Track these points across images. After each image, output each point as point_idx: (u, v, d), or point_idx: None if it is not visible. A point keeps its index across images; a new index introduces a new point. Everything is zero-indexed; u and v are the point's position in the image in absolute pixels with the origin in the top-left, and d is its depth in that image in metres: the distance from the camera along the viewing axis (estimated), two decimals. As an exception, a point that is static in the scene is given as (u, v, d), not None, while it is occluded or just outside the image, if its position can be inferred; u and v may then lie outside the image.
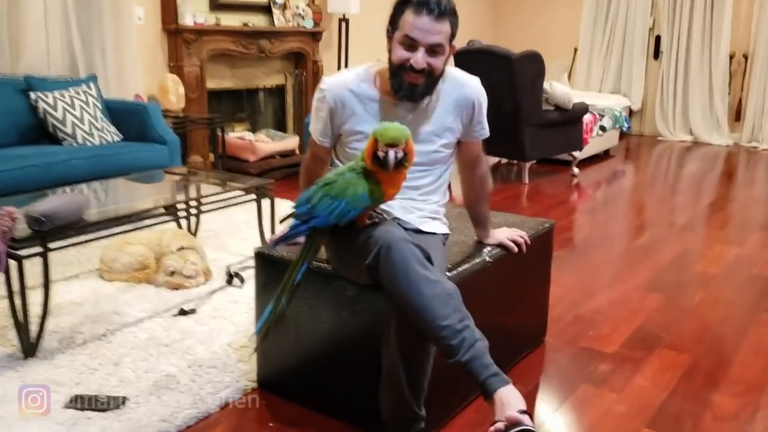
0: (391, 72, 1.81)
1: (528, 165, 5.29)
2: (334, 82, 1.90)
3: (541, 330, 2.55)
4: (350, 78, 1.89)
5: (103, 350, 2.37)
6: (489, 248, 2.13)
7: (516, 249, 2.15)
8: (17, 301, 2.28)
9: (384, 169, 1.60)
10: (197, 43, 4.88)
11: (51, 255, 2.37)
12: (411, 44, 1.75)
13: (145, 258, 3.02)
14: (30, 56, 4.09)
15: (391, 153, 1.58)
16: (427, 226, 1.90)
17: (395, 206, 1.87)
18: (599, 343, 2.53)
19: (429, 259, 1.61)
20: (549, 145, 5.35)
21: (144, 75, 4.76)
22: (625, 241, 3.95)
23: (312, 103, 1.97)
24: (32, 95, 3.72)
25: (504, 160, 5.98)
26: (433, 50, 1.76)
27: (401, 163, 1.61)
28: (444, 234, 1.97)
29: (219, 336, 2.48)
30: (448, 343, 1.52)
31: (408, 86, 1.79)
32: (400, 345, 1.60)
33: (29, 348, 2.30)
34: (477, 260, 2.04)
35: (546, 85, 5.20)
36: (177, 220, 3.32)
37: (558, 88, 5.30)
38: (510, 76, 4.94)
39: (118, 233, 2.61)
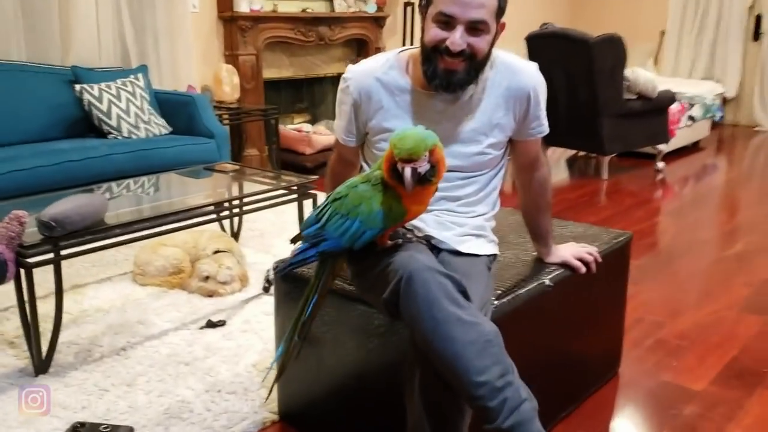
0: (423, 56, 1.49)
1: (607, 159, 4.84)
2: (358, 70, 1.60)
3: (613, 360, 2.18)
4: (378, 65, 1.58)
5: (119, 368, 2.16)
6: (551, 268, 1.79)
7: (584, 269, 1.79)
8: (28, 313, 2.09)
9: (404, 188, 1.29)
10: (253, 30, 4.67)
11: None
12: (447, 21, 1.43)
13: (179, 262, 2.82)
14: (81, 47, 3.97)
15: (408, 171, 1.26)
16: (467, 246, 1.56)
17: (429, 220, 1.55)
18: (684, 377, 2.14)
19: (464, 292, 1.29)
20: (631, 137, 4.87)
21: (199, 65, 4.59)
22: (716, 249, 3.48)
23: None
24: (77, 87, 3.59)
25: (581, 153, 5.54)
26: (474, 28, 1.43)
27: (426, 179, 1.30)
28: (490, 255, 1.62)
29: (245, 354, 2.23)
30: (485, 404, 1.20)
31: (443, 73, 1.46)
32: (426, 400, 1.29)
33: (40, 364, 2.11)
34: (534, 284, 1.70)
35: (628, 71, 4.73)
36: (219, 221, 3.10)
37: (641, 74, 4.81)
38: (587, 63, 4.50)
39: (142, 237, 2.39)
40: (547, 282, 1.73)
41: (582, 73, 4.56)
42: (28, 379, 2.09)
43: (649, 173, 5.01)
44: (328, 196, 1.41)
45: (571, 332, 1.92)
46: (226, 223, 3.28)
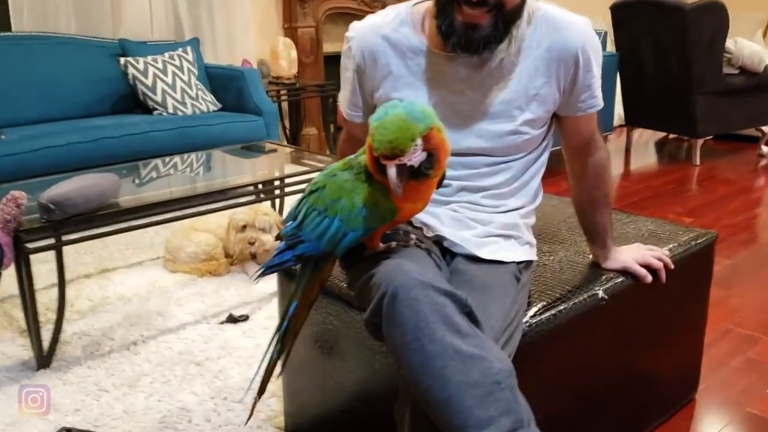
0: (437, 7, 1.18)
1: (700, 142, 4.33)
2: (362, 26, 1.31)
3: (689, 383, 1.81)
4: (386, 20, 1.28)
5: (125, 365, 1.97)
6: (607, 275, 1.45)
7: (650, 278, 1.44)
8: (28, 303, 1.93)
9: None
10: (313, 1, 4.42)
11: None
12: None
13: (211, 248, 2.62)
14: (132, 19, 3.84)
15: (393, 170, 0.96)
16: (489, 250, 1.23)
17: (443, 216, 1.24)
18: (779, 409, 1.75)
19: (470, 314, 0.98)
20: (729, 118, 4.34)
21: (257, 38, 4.40)
22: (827, 248, 2.98)
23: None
24: (121, 61, 3.45)
25: (671, 136, 5.03)
26: None
27: (421, 173, 1.00)
28: (521, 263, 1.29)
29: (262, 356, 2.00)
30: (487, 467, 0.90)
31: (462, 28, 1.15)
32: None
33: (41, 359, 1.95)
34: (585, 296, 1.37)
35: (729, 42, 4.20)
36: (258, 202, 2.89)
37: (746, 46, 4.26)
38: (681, 32, 4.01)
39: (158, 222, 2.19)
40: (601, 294, 1.40)
41: (675, 45, 4.08)
42: (28, 373, 1.93)
43: (750, 158, 4.46)
44: (308, 186, 1.14)
45: (633, 351, 1.58)
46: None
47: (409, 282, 0.96)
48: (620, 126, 5.21)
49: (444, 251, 1.22)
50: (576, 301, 1.35)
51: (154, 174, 2.74)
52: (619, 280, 1.45)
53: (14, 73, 3.26)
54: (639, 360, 1.60)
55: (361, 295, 1.08)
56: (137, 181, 2.61)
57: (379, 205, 1.01)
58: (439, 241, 1.22)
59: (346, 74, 1.33)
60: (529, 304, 1.30)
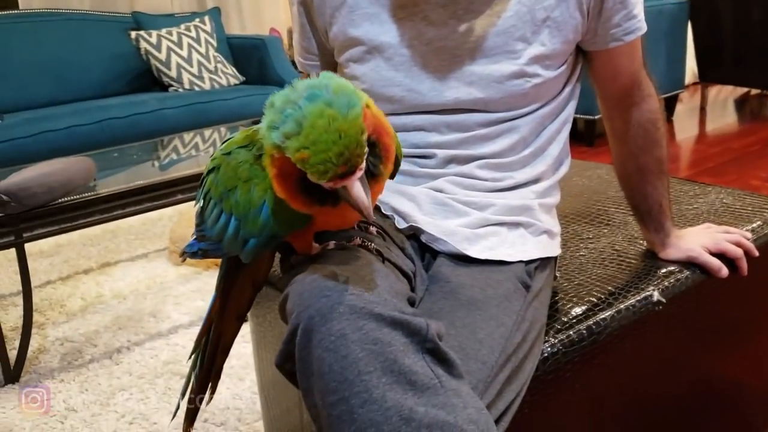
0: None
1: (789, 96, 3.80)
2: None
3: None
4: None
5: (102, 377, 1.73)
6: (665, 270, 1.08)
7: (725, 271, 1.06)
8: (-10, 307, 1.70)
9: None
10: (346, -38, 4.07)
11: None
12: None
13: (219, 237, 2.34)
14: (149, -9, 3.60)
15: (359, 190, 0.60)
16: (484, 246, 0.85)
17: (421, 199, 0.88)
18: None
19: (434, 351, 0.63)
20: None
21: (287, 5, 4.08)
22: None
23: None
24: (133, 34, 3.20)
25: (754, 92, 4.46)
26: None
27: (371, 173, 0.64)
28: (531, 262, 0.89)
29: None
30: None
31: None
32: None
33: (8, 372, 1.72)
34: (632, 300, 1.00)
35: (822, -23, 3.63)
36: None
37: (842, -19, 3.67)
38: (763, -32, 3.48)
39: (140, 211, 1.92)
40: (656, 296, 1.02)
41: (755, -16, 3.55)
42: (-7, 388, 1.71)
43: None
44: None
45: (699, 368, 1.20)
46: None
47: (332, 309, 0.61)
48: (693, 84, 4.67)
49: (424, 248, 0.87)
50: (621, 307, 0.99)
51: (146, 156, 2.47)
52: (683, 275, 1.07)
53: (23, 53, 3.07)
54: (707, 379, 1.22)
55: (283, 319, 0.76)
56: (124, 165, 2.34)
57: (284, 207, 0.67)
58: (413, 234, 0.87)
59: (293, 9, 0.99)
60: (554, 315, 0.95)
